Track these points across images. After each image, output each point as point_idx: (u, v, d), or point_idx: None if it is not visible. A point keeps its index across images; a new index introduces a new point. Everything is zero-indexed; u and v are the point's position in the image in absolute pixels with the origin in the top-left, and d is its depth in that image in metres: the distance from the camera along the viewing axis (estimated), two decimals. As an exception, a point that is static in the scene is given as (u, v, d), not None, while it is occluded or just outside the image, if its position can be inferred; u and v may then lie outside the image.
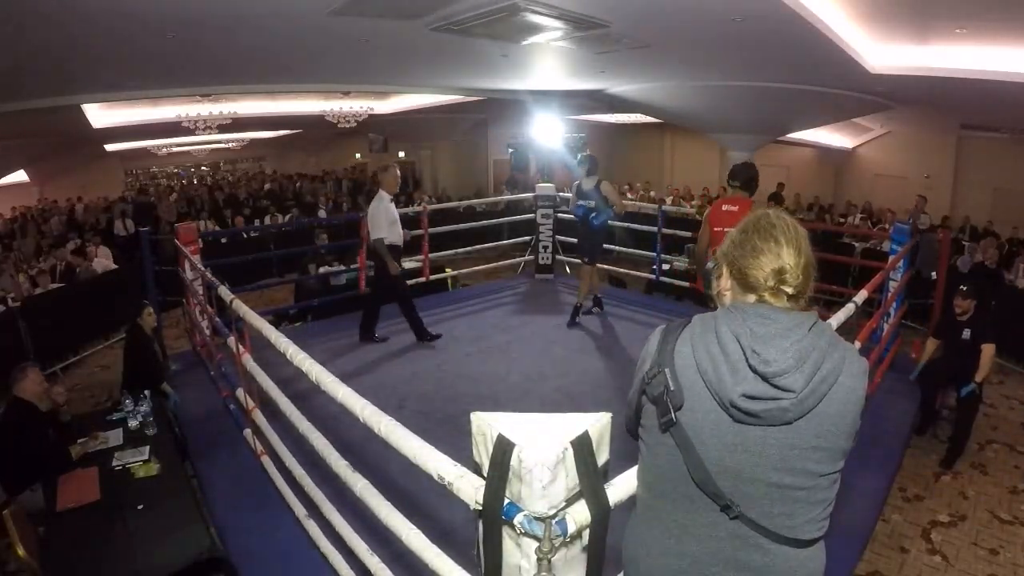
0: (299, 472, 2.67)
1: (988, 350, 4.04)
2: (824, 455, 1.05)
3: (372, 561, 2.04)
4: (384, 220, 4.75)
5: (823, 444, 1.04)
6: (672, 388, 1.08)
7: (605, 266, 7.10)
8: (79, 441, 3.09)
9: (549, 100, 9.24)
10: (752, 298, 1.10)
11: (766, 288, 1.07)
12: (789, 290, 1.07)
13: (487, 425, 1.16)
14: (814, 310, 1.17)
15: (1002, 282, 6.89)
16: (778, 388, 0.99)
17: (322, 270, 6.91)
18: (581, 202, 5.27)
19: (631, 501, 1.32)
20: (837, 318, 2.75)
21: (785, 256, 1.07)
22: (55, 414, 3.45)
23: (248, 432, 3.36)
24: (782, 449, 1.03)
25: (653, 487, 1.18)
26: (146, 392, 3.54)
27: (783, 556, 1.07)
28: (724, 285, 1.15)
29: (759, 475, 1.05)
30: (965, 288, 4.20)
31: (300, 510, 2.70)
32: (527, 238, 7.44)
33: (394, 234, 4.83)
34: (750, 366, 1.01)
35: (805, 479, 1.04)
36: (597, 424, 1.16)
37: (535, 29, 4.49)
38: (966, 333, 4.12)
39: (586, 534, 1.17)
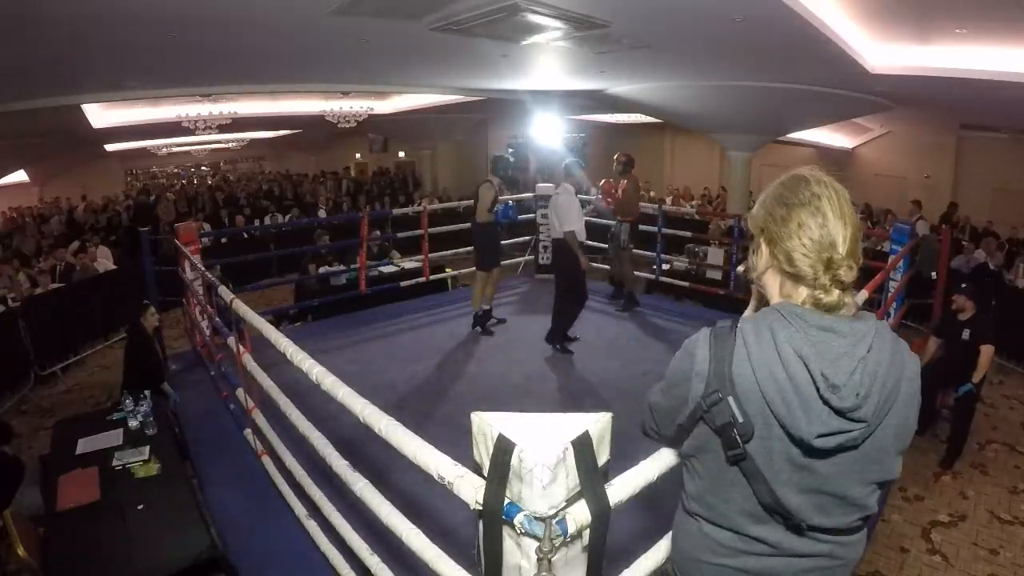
0: (299, 472, 2.67)
1: (987, 351, 4.05)
2: (883, 466, 1.01)
3: (372, 561, 2.04)
4: (576, 213, 4.70)
5: (883, 456, 1.00)
6: (741, 420, 0.98)
7: (605, 266, 7.08)
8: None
9: (549, 100, 9.24)
10: (803, 293, 0.99)
11: (819, 285, 0.96)
12: (847, 279, 0.96)
13: (487, 425, 1.15)
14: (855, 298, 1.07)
15: (1003, 282, 6.88)
16: (851, 420, 0.93)
17: (322, 270, 6.91)
18: (510, 203, 5.31)
19: (632, 501, 1.32)
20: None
21: (834, 234, 0.95)
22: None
23: (248, 432, 3.36)
24: (847, 466, 0.99)
25: (713, 505, 1.09)
26: (146, 392, 3.53)
27: (834, 543, 1.05)
28: (764, 263, 1.04)
29: (824, 489, 1.00)
30: (965, 286, 4.22)
31: (300, 510, 2.70)
32: (527, 238, 7.44)
33: (580, 229, 4.77)
34: (822, 398, 0.92)
35: (864, 488, 1.01)
36: (597, 424, 1.16)
37: (535, 29, 4.48)
38: (965, 333, 4.13)
39: (586, 534, 1.17)
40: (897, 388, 0.96)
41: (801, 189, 0.99)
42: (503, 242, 7.53)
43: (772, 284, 1.05)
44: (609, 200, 5.96)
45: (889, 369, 0.95)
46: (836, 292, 0.96)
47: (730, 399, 0.98)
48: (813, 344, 0.93)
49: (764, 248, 1.04)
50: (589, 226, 5.40)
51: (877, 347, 0.95)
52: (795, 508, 1.00)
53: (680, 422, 1.08)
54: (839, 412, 0.92)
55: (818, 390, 0.92)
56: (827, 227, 0.96)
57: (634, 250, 6.10)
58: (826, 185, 0.99)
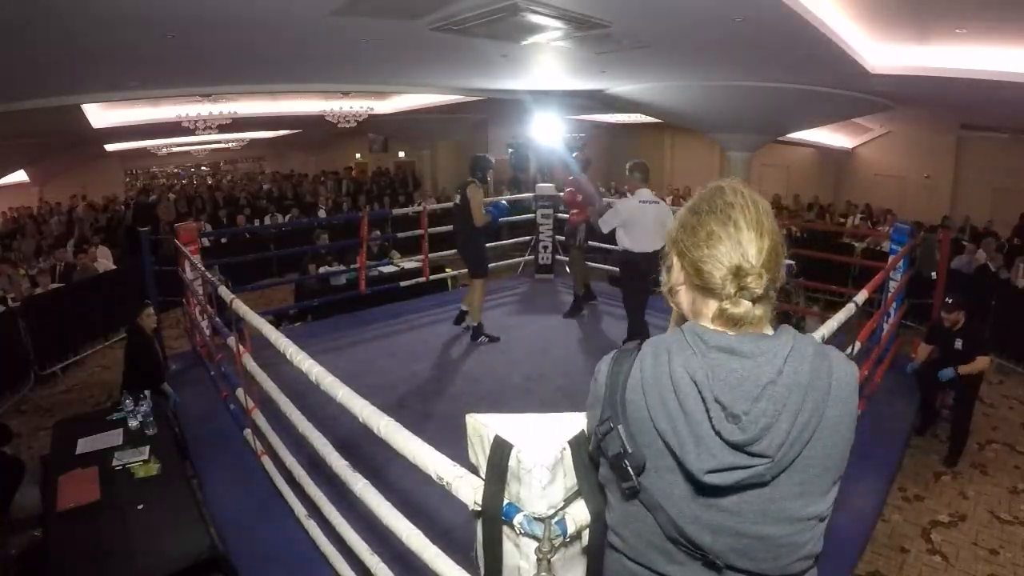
0: (299, 472, 2.67)
1: (981, 362, 3.99)
2: (810, 499, 0.89)
3: (372, 561, 2.04)
4: None
5: (808, 489, 0.88)
6: (630, 451, 0.89)
7: (606, 266, 7.07)
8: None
9: (549, 100, 9.24)
10: (712, 307, 0.91)
11: (725, 295, 0.88)
12: (757, 290, 0.87)
13: (482, 426, 1.16)
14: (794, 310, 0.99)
15: (1002, 282, 6.88)
16: (751, 455, 0.83)
17: (322, 270, 6.92)
18: (502, 203, 5.22)
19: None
20: (837, 318, 2.76)
21: (745, 243, 0.88)
22: None
23: (248, 432, 3.36)
24: (761, 503, 0.88)
25: (625, 538, 1.01)
26: (146, 392, 3.54)
27: None
28: (677, 279, 0.97)
29: (739, 529, 0.89)
30: (951, 301, 4.12)
31: (300, 510, 2.70)
32: (527, 238, 7.43)
33: None
34: (715, 430, 0.83)
35: (789, 526, 0.90)
36: (596, 424, 1.16)
37: (535, 29, 4.48)
38: (958, 343, 4.07)
39: (585, 534, 1.17)
40: (819, 413, 0.85)
41: (715, 198, 0.93)
42: (503, 242, 7.58)
43: (685, 301, 0.97)
44: (575, 212, 5.52)
45: (807, 393, 0.84)
46: (744, 304, 0.88)
47: (620, 428, 0.90)
48: (711, 368, 0.84)
49: (676, 262, 0.96)
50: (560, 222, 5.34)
51: (792, 369, 0.84)
52: (708, 547, 0.90)
53: (589, 449, 1.01)
54: (734, 446, 0.82)
55: (710, 420, 0.83)
56: (739, 236, 0.89)
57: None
58: (743, 195, 0.92)
